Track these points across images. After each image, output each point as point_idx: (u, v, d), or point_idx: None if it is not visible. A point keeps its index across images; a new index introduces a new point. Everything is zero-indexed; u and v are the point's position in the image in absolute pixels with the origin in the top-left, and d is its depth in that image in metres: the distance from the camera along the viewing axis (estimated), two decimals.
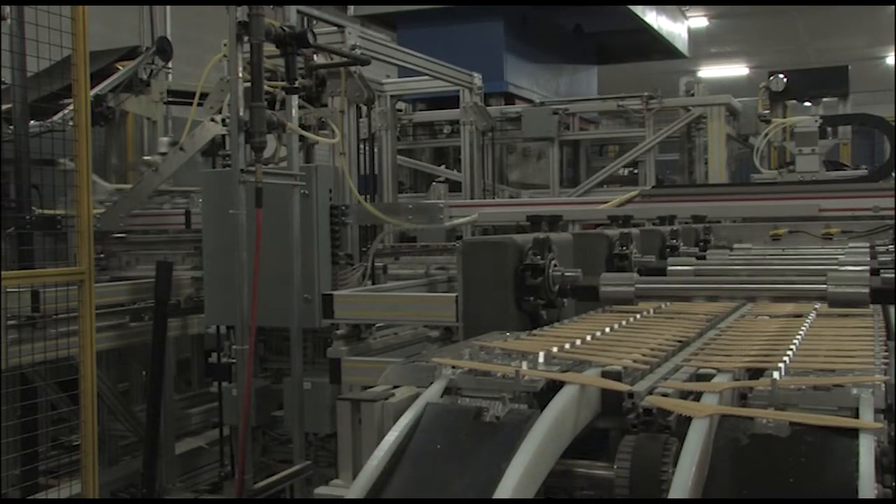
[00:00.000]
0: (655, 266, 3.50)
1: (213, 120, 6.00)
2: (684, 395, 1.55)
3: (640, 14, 12.00)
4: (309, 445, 5.60)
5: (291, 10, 5.52)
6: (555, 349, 1.79)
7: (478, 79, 8.19)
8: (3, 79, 5.30)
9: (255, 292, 4.90)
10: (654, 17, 12.66)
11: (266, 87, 5.18)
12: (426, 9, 10.35)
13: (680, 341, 2.00)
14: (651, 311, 2.51)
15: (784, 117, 9.30)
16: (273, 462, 5.82)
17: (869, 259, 3.45)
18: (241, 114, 4.95)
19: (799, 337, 1.98)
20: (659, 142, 9.42)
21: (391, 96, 8.35)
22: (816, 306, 2.48)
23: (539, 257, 2.65)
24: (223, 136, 6.04)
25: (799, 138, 7.64)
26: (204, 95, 6.08)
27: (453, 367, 1.62)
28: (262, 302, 4.98)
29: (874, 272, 2.46)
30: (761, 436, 1.37)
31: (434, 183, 8.95)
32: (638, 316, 2.40)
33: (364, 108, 6.53)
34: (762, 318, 2.46)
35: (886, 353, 1.78)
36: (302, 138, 5.60)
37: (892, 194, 5.44)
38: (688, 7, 15.38)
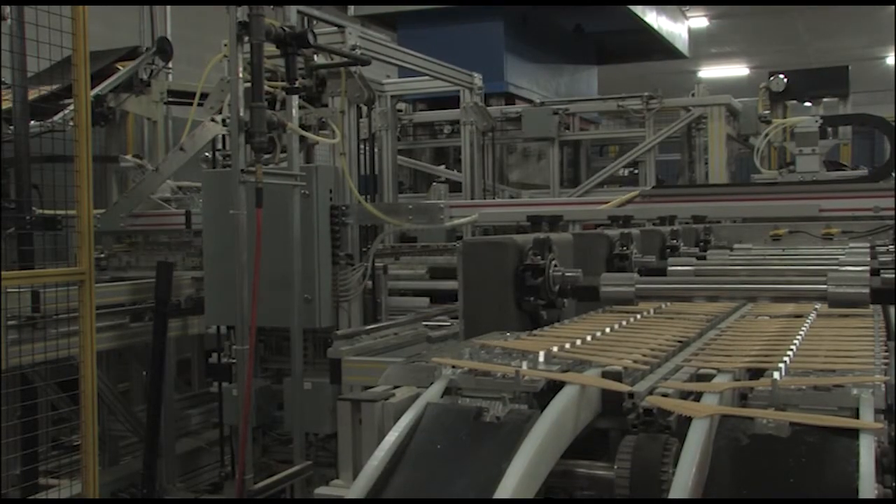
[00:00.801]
0: (656, 266, 3.50)
1: (213, 120, 6.00)
2: (684, 395, 1.55)
3: (640, 14, 11.99)
4: (309, 446, 5.60)
5: (292, 11, 5.52)
6: (555, 349, 1.79)
7: (478, 79, 8.19)
8: (3, 79, 5.31)
9: (255, 292, 4.90)
10: (654, 18, 12.66)
11: (266, 88, 5.18)
12: (426, 9, 10.35)
13: (680, 341, 2.00)
14: (651, 311, 2.51)
15: (784, 117, 9.29)
16: (273, 462, 5.83)
17: (869, 259, 3.45)
18: (241, 114, 4.95)
19: (799, 337, 1.98)
20: (659, 142, 9.42)
21: (391, 96, 8.35)
22: (817, 307, 2.48)
23: (539, 257, 2.65)
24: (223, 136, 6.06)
25: (799, 138, 7.64)
26: (204, 96, 6.09)
27: (453, 367, 1.62)
28: (263, 302, 4.98)
29: (874, 272, 2.46)
30: (761, 436, 1.37)
31: (434, 183, 8.95)
32: (638, 316, 2.40)
33: (364, 109, 6.53)
34: (762, 319, 2.46)
35: (886, 354, 1.78)
36: (302, 138, 5.60)
37: (892, 194, 5.44)
38: (688, 7, 15.37)
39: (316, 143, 5.92)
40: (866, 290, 2.25)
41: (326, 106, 6.03)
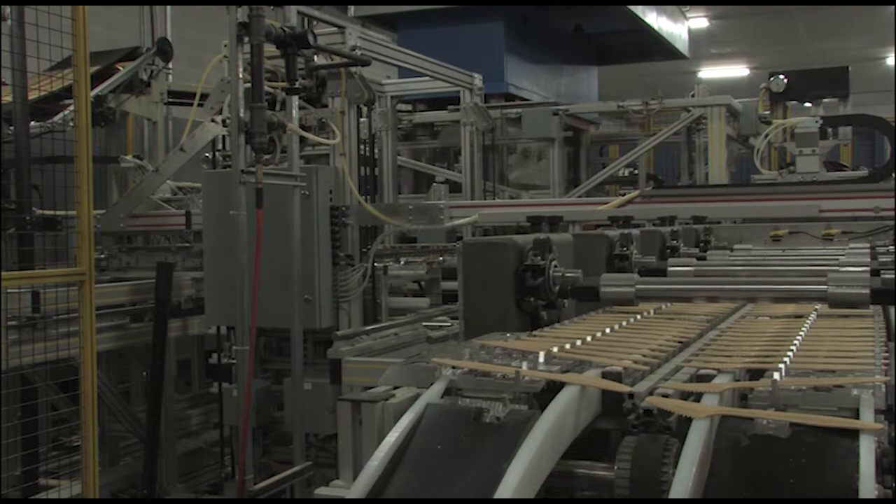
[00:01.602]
0: (656, 267, 3.50)
1: (213, 121, 6.00)
2: (685, 395, 1.55)
3: (640, 15, 11.98)
4: (309, 446, 5.60)
5: (292, 11, 5.53)
6: (555, 349, 1.78)
7: (478, 79, 8.19)
8: (3, 79, 5.31)
9: (255, 293, 4.90)
10: (654, 18, 12.65)
11: (266, 88, 5.19)
12: (426, 9, 10.34)
13: (680, 342, 2.00)
14: (651, 311, 2.51)
15: (784, 118, 9.28)
16: (273, 463, 5.83)
17: (869, 260, 3.45)
18: (241, 114, 4.95)
19: (799, 338, 1.98)
20: (659, 142, 9.41)
21: (391, 97, 8.35)
22: (817, 307, 2.48)
23: (539, 258, 2.65)
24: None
25: (799, 139, 7.64)
26: (204, 96, 6.09)
27: (453, 368, 1.62)
28: (263, 303, 4.98)
29: (874, 273, 2.46)
30: (762, 436, 1.37)
31: (434, 184, 8.95)
32: (638, 317, 2.40)
33: (364, 109, 6.53)
34: (762, 319, 2.46)
35: (887, 354, 1.78)
36: (302, 139, 5.60)
37: (892, 195, 5.44)
38: (688, 7, 15.36)
39: (317, 143, 5.93)
40: (866, 291, 2.24)
41: (326, 106, 6.03)
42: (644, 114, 9.43)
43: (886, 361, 1.69)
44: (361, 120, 6.39)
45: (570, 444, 1.49)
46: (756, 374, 1.67)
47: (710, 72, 22.65)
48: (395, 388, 1.78)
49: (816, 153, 7.42)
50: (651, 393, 1.54)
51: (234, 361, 5.46)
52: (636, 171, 10.79)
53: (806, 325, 2.19)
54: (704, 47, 19.76)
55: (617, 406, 1.55)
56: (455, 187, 8.72)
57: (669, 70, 17.85)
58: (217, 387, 5.94)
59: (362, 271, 5.79)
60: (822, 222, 5.42)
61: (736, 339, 2.06)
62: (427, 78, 7.69)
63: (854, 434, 1.32)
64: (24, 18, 5.05)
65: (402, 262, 6.87)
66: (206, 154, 6.46)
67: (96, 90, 6.52)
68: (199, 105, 6.17)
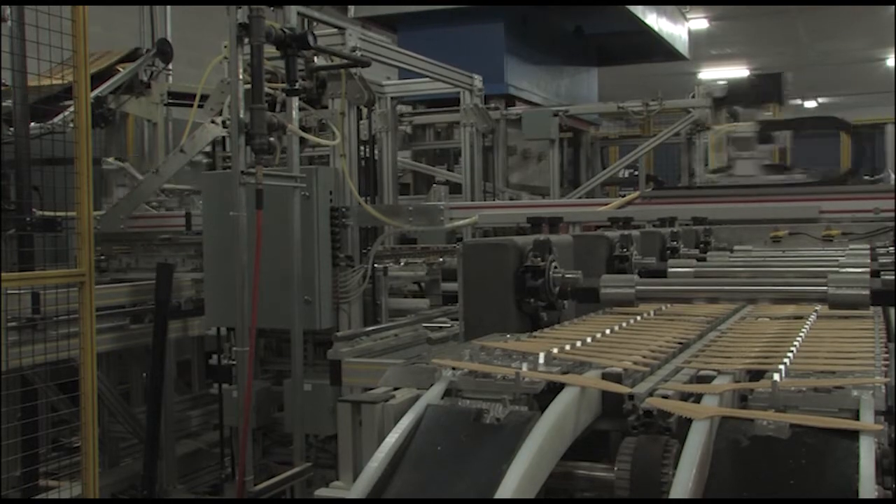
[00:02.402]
0: (656, 268, 3.50)
1: (213, 122, 6.01)
2: (685, 396, 1.55)
3: (640, 16, 11.99)
4: (309, 447, 5.60)
5: (292, 12, 5.52)
6: (555, 350, 1.78)
7: (478, 80, 8.19)
8: (3, 80, 5.31)
9: (255, 294, 4.90)
10: (654, 19, 12.66)
11: (266, 89, 5.19)
12: (427, 10, 10.34)
13: (680, 343, 2.00)
14: (651, 313, 2.51)
15: (737, 122, 9.09)
16: (273, 464, 5.83)
17: (869, 261, 3.45)
18: (241, 115, 4.96)
19: (799, 338, 1.98)
20: (658, 143, 9.42)
21: (391, 98, 8.35)
22: (817, 308, 2.48)
23: (539, 259, 2.65)
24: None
25: (736, 143, 7.68)
26: (204, 97, 6.09)
27: (453, 369, 1.62)
28: (263, 304, 4.98)
29: (874, 274, 2.46)
30: (762, 437, 1.37)
31: (434, 185, 8.95)
32: (638, 318, 2.40)
33: (364, 110, 6.53)
34: (763, 320, 2.46)
35: (887, 355, 1.78)
36: (303, 140, 5.60)
37: (892, 196, 5.44)
38: (688, 8, 15.36)
39: (317, 144, 5.93)
40: (866, 292, 2.25)
41: (326, 107, 6.03)
42: (644, 115, 9.43)
43: (886, 362, 1.69)
44: (361, 121, 6.40)
45: (570, 445, 1.49)
46: (756, 375, 1.67)
47: (710, 73, 22.65)
48: (395, 389, 1.78)
49: (755, 157, 7.47)
50: (651, 394, 1.54)
51: (234, 362, 5.47)
52: (636, 173, 10.80)
53: (806, 326, 2.19)
54: (704, 48, 19.77)
55: (617, 407, 1.55)
56: (455, 188, 8.72)
57: (669, 71, 17.85)
58: (217, 388, 5.93)
59: (362, 272, 5.79)
60: (822, 224, 5.42)
61: (736, 340, 2.06)
62: (427, 79, 7.69)
63: (854, 435, 1.32)
64: (25, 20, 5.05)
65: (402, 264, 6.87)
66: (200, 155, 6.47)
67: (96, 91, 6.52)
68: (199, 106, 6.17)
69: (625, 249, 3.50)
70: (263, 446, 5.89)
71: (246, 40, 4.98)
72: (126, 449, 6.44)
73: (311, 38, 5.21)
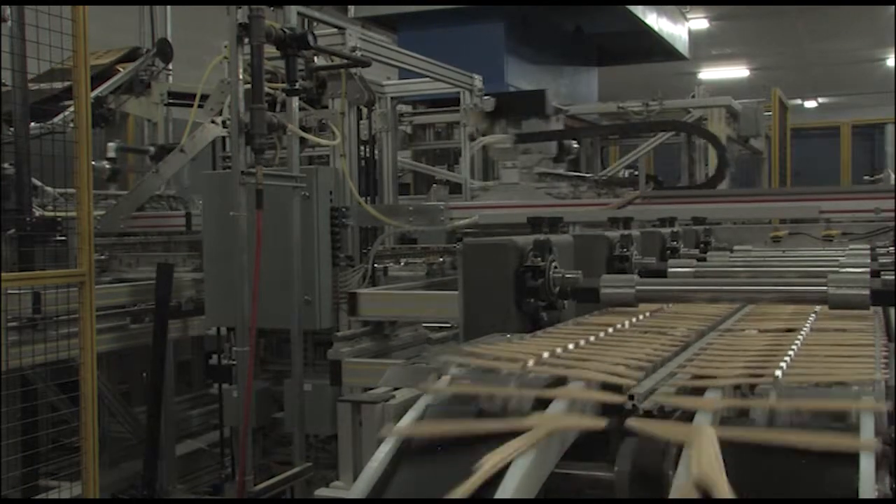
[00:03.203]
0: (656, 268, 3.50)
1: (213, 122, 6.01)
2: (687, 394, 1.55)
3: (640, 16, 12.00)
4: (309, 447, 5.60)
5: (292, 12, 5.53)
6: (555, 352, 1.78)
7: (478, 80, 8.19)
8: (3, 80, 5.31)
9: (255, 294, 4.90)
10: (654, 19, 12.66)
11: (266, 89, 5.19)
12: (427, 10, 10.35)
13: (680, 343, 2.00)
14: (648, 314, 2.51)
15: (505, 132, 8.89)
16: (273, 464, 5.83)
17: (869, 261, 3.45)
18: (241, 115, 4.96)
19: (800, 339, 1.98)
20: (659, 144, 9.43)
21: (391, 98, 8.35)
22: (816, 309, 2.48)
23: (539, 259, 2.65)
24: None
25: (497, 153, 7.79)
26: (204, 97, 6.09)
27: (458, 365, 1.61)
28: (263, 304, 4.98)
29: (875, 274, 2.46)
30: None
31: (434, 185, 8.95)
32: (641, 317, 2.39)
33: (364, 110, 6.53)
34: (762, 321, 2.45)
35: (886, 355, 1.78)
36: (303, 140, 5.61)
37: (892, 196, 5.45)
38: (688, 8, 15.37)
39: (316, 144, 5.93)
40: (866, 292, 2.25)
41: (327, 107, 6.04)
42: (644, 115, 9.44)
43: (886, 361, 1.69)
44: (361, 121, 6.40)
45: (570, 446, 1.49)
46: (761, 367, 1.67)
47: (710, 73, 22.66)
48: (395, 389, 1.78)
49: (516, 166, 7.61)
50: (652, 393, 1.54)
51: (234, 362, 5.47)
52: (636, 173, 10.81)
53: (806, 326, 2.19)
54: (704, 48, 19.77)
55: (617, 407, 1.55)
56: (455, 188, 8.72)
57: (670, 71, 17.86)
58: (217, 388, 5.93)
59: (362, 272, 5.78)
60: (822, 223, 5.43)
61: (736, 340, 2.06)
62: (427, 79, 7.69)
63: (854, 434, 1.32)
64: (25, 20, 5.05)
65: (402, 264, 6.87)
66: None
67: (96, 91, 6.52)
68: (200, 106, 6.18)
69: (625, 249, 3.50)
70: (263, 446, 5.89)
71: (246, 40, 4.98)
72: (126, 449, 6.44)
73: (311, 38, 5.21)
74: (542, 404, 1.50)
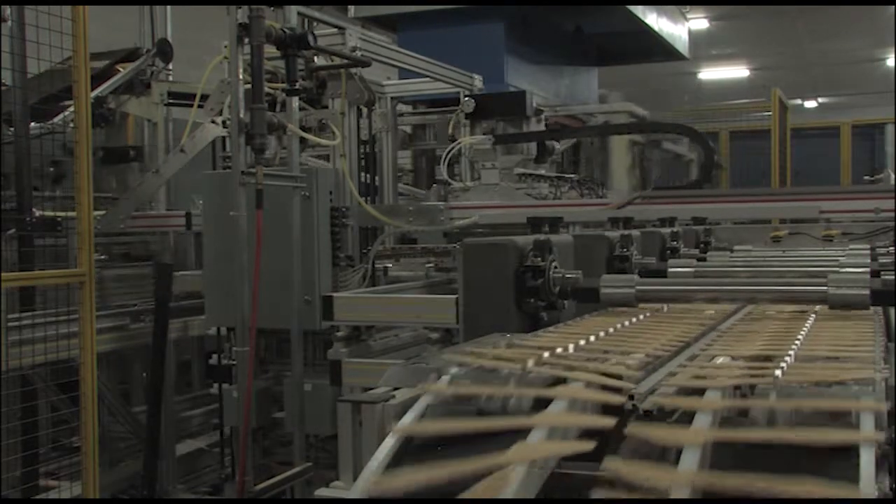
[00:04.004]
0: (656, 268, 3.51)
1: (213, 122, 6.01)
2: (687, 395, 1.55)
3: (640, 16, 12.00)
4: (309, 447, 5.60)
5: (292, 12, 5.52)
6: (560, 350, 1.78)
7: (478, 80, 8.19)
8: (3, 80, 5.31)
9: (255, 294, 4.90)
10: (654, 19, 12.66)
11: (266, 89, 5.18)
12: (427, 10, 10.34)
13: (680, 343, 2.00)
14: (648, 314, 2.51)
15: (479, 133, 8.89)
16: (273, 464, 5.82)
17: (869, 261, 3.45)
18: (241, 115, 4.96)
19: (800, 338, 1.98)
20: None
21: (391, 98, 8.34)
22: (816, 309, 2.48)
23: (539, 259, 2.65)
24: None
25: (477, 154, 7.82)
26: (205, 97, 6.09)
27: (457, 366, 1.61)
28: (263, 304, 4.98)
29: (875, 274, 2.47)
30: None
31: (434, 184, 8.94)
32: (641, 317, 2.39)
33: (364, 110, 6.53)
34: (764, 319, 2.45)
35: (886, 356, 1.78)
36: (303, 140, 5.60)
37: (892, 196, 5.45)
38: (688, 8, 15.37)
39: (316, 144, 5.93)
40: (866, 292, 2.25)
41: (327, 107, 6.03)
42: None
43: (885, 360, 1.69)
44: (361, 121, 6.39)
45: None
46: (763, 362, 1.67)
47: (710, 73, 22.67)
48: (395, 389, 1.78)
49: (496, 167, 7.67)
50: (652, 392, 1.54)
51: (234, 362, 5.46)
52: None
53: (806, 326, 2.19)
54: (704, 48, 19.77)
55: (617, 407, 1.55)
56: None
57: (669, 71, 17.87)
58: (217, 388, 5.93)
59: (362, 272, 5.78)
60: (822, 223, 5.43)
61: (736, 340, 2.06)
62: (427, 79, 7.69)
63: (853, 434, 1.32)
64: (25, 20, 5.05)
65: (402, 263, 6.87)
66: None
67: (97, 91, 6.52)
68: (200, 106, 6.17)
69: (625, 249, 3.51)
70: (263, 446, 5.89)
71: (246, 40, 4.98)
72: (126, 449, 6.44)
73: (311, 38, 5.21)
74: (541, 404, 1.50)
